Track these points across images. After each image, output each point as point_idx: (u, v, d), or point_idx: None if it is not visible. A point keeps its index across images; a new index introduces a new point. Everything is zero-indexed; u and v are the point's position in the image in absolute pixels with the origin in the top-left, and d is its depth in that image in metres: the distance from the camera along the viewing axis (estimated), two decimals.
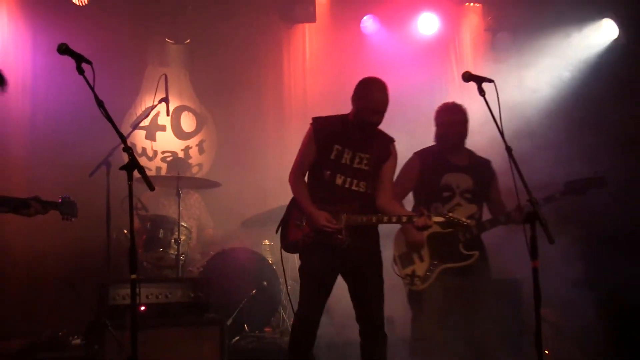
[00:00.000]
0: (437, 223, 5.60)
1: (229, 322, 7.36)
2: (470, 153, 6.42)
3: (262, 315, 8.13)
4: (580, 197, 6.25)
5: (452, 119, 6.45)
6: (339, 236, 5.63)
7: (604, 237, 7.82)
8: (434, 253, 6.33)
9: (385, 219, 5.72)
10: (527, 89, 9.03)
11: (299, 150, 5.95)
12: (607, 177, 6.24)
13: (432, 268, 6.29)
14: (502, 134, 4.97)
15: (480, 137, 6.73)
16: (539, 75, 9.47)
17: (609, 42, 9.65)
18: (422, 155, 6.57)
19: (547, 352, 7.81)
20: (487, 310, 6.30)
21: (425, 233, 6.24)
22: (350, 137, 5.80)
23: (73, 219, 5.98)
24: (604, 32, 9.67)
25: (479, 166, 6.37)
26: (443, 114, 6.54)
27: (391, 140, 5.99)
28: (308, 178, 5.96)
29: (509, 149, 4.96)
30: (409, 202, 6.58)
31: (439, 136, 6.55)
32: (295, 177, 5.92)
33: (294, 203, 5.98)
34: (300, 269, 5.90)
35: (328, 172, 5.76)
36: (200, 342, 6.70)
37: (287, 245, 5.99)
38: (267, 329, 8.17)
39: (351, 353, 6.09)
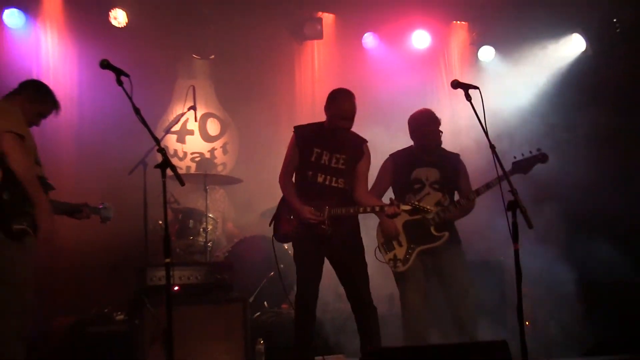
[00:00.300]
0: (405, 211, 5.75)
1: (250, 300, 7.38)
2: (440, 149, 6.36)
3: (280, 294, 8.14)
4: (526, 174, 6.27)
5: (430, 128, 6.40)
6: (323, 226, 5.78)
7: (577, 221, 7.82)
8: (410, 238, 6.34)
9: (362, 209, 5.86)
10: (508, 95, 9.00)
11: (285, 155, 6.11)
12: (548, 155, 6.25)
13: (410, 251, 6.31)
14: (486, 134, 4.99)
15: (467, 138, 6.76)
16: (518, 82, 9.48)
17: (578, 54, 9.69)
18: (394, 157, 6.60)
19: (527, 323, 7.81)
20: (462, 286, 6.35)
21: (399, 222, 6.30)
22: (327, 141, 5.93)
23: (108, 222, 5.92)
24: (574, 45, 9.72)
25: (446, 160, 6.35)
26: (421, 121, 6.47)
27: (364, 141, 6.13)
28: (295, 178, 6.07)
29: (492, 147, 4.99)
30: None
31: (417, 139, 6.52)
32: (283, 178, 6.07)
33: (284, 201, 6.11)
34: (294, 256, 6.09)
35: (310, 173, 5.92)
36: (226, 317, 6.74)
37: (279, 236, 6.16)
38: (284, 306, 8.18)
39: (352, 324, 6.18)
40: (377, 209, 5.83)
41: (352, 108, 5.91)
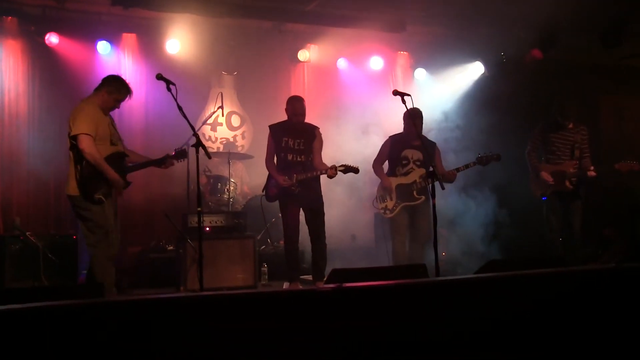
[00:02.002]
0: (340, 170, 6.05)
1: (258, 237, 7.35)
2: (423, 138, 6.20)
3: (278, 234, 8.15)
4: (484, 167, 6.33)
5: (411, 120, 6.25)
6: (292, 188, 6.03)
7: (475, 183, 7.89)
8: (399, 196, 6.44)
9: (315, 173, 6.11)
10: (434, 102, 8.99)
11: (267, 145, 6.35)
12: (501, 156, 6.27)
13: (396, 205, 6.45)
14: (420, 125, 5.05)
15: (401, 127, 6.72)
16: (440, 94, 9.50)
17: (479, 76, 9.69)
18: (392, 138, 6.63)
19: (443, 253, 7.86)
20: (423, 232, 6.42)
21: (394, 184, 6.41)
22: (290, 131, 6.17)
23: (185, 160, 5.77)
24: (477, 70, 9.72)
25: (426, 145, 6.21)
26: (405, 116, 6.39)
27: (315, 127, 6.32)
28: (276, 159, 6.30)
29: (420, 134, 5.04)
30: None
31: (404, 127, 6.52)
32: (267, 160, 6.34)
33: (269, 175, 6.33)
34: (280, 209, 6.36)
35: (283, 154, 6.17)
36: (241, 249, 6.79)
37: (269, 198, 6.40)
38: (281, 242, 8.16)
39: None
40: (324, 172, 6.05)
41: (302, 107, 6.21)
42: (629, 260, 3.36)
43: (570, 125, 6.93)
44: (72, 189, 5.15)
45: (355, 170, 6.16)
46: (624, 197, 9.06)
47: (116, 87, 5.36)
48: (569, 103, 7.06)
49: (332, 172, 6.03)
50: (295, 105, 6.24)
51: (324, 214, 6.27)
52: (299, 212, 6.29)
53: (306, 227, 6.35)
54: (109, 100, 5.34)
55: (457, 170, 6.27)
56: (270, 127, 6.38)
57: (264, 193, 6.43)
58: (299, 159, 6.19)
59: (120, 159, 5.39)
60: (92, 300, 2.40)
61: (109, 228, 5.23)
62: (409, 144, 6.48)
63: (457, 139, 8.08)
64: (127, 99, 5.46)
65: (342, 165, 6.08)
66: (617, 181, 8.09)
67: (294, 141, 6.20)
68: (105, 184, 5.17)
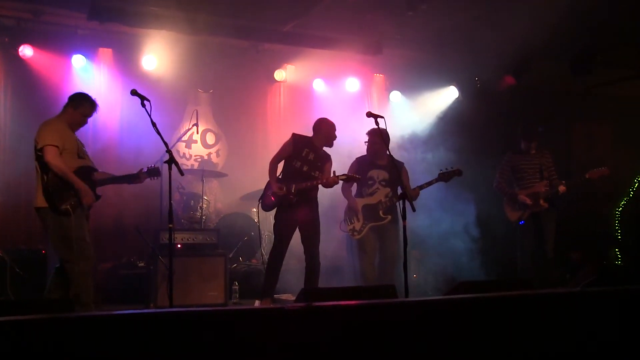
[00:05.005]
0: (341, 179, 6.11)
1: (230, 255, 7.35)
2: (390, 156, 5.96)
3: (250, 252, 8.15)
4: (446, 183, 6.38)
5: (374, 139, 6.46)
6: (291, 196, 5.96)
7: (448, 202, 7.95)
8: (365, 216, 6.46)
9: (315, 182, 6.09)
10: (408, 124, 9.09)
11: (280, 148, 6.26)
12: (462, 171, 6.35)
13: (363, 225, 6.45)
14: (386, 145, 5.11)
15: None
16: (415, 116, 9.58)
17: (453, 99, 9.82)
18: (358, 160, 6.70)
19: (415, 276, 7.89)
20: (391, 253, 6.47)
21: (360, 205, 6.47)
22: (313, 147, 6.18)
23: (158, 178, 5.96)
24: (451, 94, 9.84)
25: (393, 165, 6.15)
26: (371, 136, 6.55)
27: (329, 155, 6.35)
28: (284, 166, 6.21)
29: (390, 155, 5.11)
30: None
31: (371, 147, 6.60)
32: (272, 163, 6.20)
33: (268, 182, 6.21)
34: (275, 220, 6.24)
35: (300, 163, 6.11)
36: (213, 266, 6.77)
37: (264, 206, 6.28)
38: (253, 260, 8.18)
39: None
40: (324, 180, 6.04)
41: (334, 135, 6.32)
42: (594, 285, 3.41)
43: (533, 151, 7.15)
44: (40, 201, 5.15)
45: (357, 178, 6.26)
46: (593, 223, 9.22)
47: (82, 103, 5.47)
48: (532, 125, 7.29)
49: (333, 179, 6.02)
50: (333, 131, 6.34)
51: (319, 233, 6.27)
52: (295, 229, 6.25)
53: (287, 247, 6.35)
54: (76, 115, 5.43)
55: (420, 187, 6.33)
56: (295, 135, 6.34)
57: (260, 202, 6.38)
58: (313, 173, 6.21)
59: (88, 172, 5.40)
60: (59, 315, 2.37)
61: (85, 239, 5.21)
62: (375, 164, 6.57)
63: (429, 161, 8.16)
64: (94, 114, 5.56)
65: (343, 175, 6.11)
66: (588, 205, 8.24)
67: (315, 155, 6.25)
68: (73, 196, 5.14)
